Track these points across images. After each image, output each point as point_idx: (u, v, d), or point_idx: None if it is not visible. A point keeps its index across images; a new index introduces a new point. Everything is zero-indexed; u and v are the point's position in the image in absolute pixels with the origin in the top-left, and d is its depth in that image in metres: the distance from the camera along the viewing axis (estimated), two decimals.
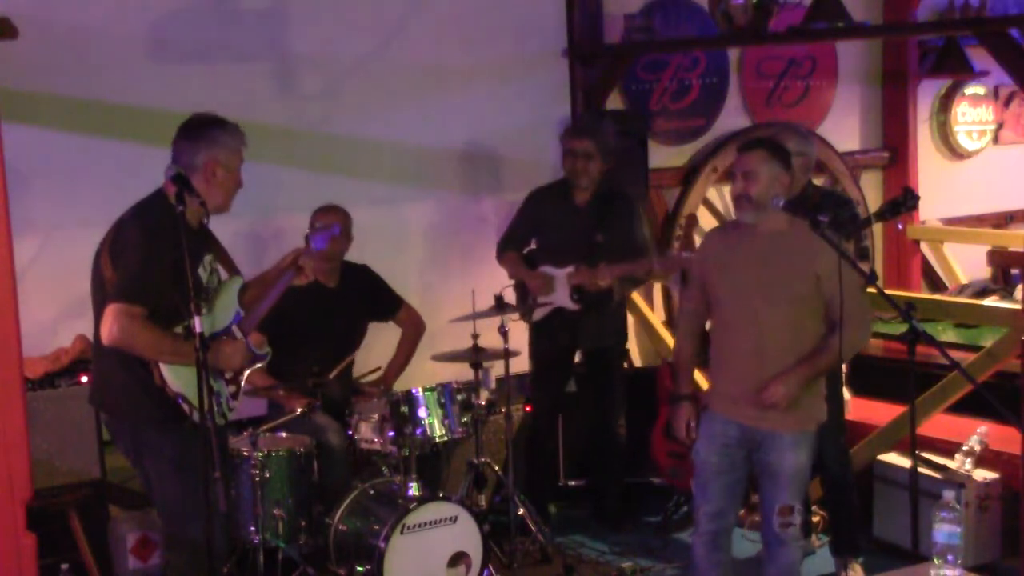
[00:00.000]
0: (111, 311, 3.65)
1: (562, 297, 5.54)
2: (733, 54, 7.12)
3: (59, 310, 5.07)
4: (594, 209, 5.57)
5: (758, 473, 4.16)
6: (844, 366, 4.98)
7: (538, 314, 5.56)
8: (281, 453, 4.71)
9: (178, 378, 3.70)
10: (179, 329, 3.67)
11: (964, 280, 7.64)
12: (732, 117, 7.13)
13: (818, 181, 6.25)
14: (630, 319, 6.24)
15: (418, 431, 4.77)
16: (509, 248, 5.69)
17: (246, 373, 4.03)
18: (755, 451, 4.11)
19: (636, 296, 6.41)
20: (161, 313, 3.67)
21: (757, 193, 4.03)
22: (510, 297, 5.60)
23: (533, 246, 5.71)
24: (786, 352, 4.03)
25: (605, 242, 5.51)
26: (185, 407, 3.72)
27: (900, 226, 7.28)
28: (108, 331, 3.65)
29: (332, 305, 5.22)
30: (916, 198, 4.57)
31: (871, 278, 4.45)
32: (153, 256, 3.65)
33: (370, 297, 5.43)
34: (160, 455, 3.80)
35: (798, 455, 4.08)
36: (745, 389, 4.06)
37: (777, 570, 4.21)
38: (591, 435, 5.87)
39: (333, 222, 4.98)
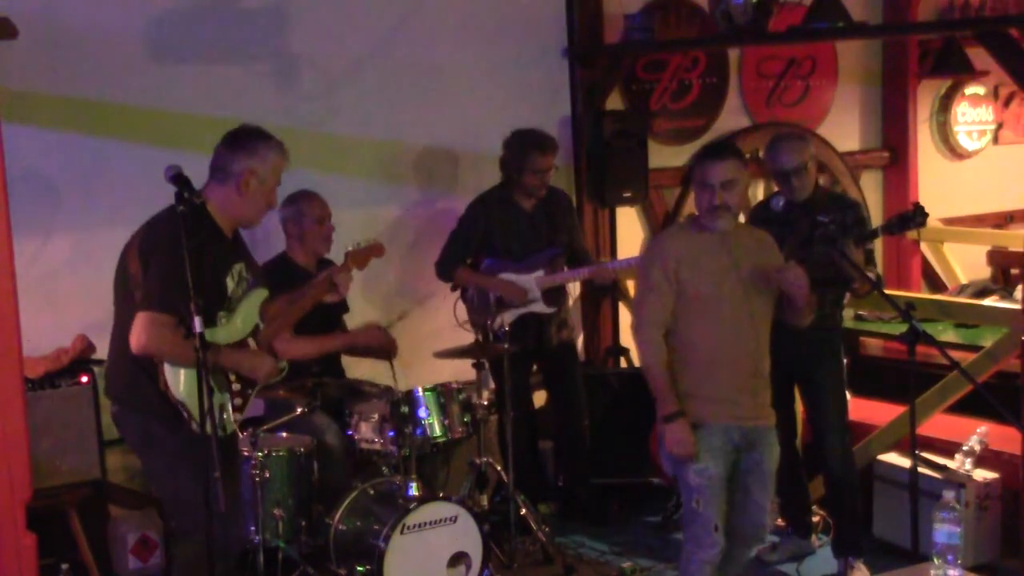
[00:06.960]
0: (141, 320, 3.64)
1: (534, 301, 5.57)
2: (733, 54, 7.12)
3: (60, 310, 5.06)
4: (542, 212, 5.67)
5: (744, 475, 4.09)
6: (846, 362, 5.02)
7: (508, 318, 5.51)
8: (281, 453, 4.71)
9: (181, 386, 3.69)
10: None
11: (964, 280, 7.63)
12: (732, 117, 7.13)
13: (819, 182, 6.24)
14: (629, 319, 6.22)
15: (418, 431, 4.78)
16: (458, 262, 5.65)
17: (256, 387, 4.00)
18: (746, 452, 4.07)
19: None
20: (186, 320, 3.62)
21: (737, 202, 4.05)
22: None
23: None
24: (767, 345, 4.10)
25: (564, 243, 5.71)
26: (184, 415, 3.72)
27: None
28: (136, 339, 3.64)
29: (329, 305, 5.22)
30: (925, 215, 4.55)
31: (876, 284, 4.47)
32: (180, 264, 3.55)
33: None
34: (165, 449, 3.80)
35: (777, 449, 4.15)
36: (743, 389, 4.05)
37: (744, 568, 4.24)
38: (559, 436, 5.92)
39: (327, 216, 5.20)
